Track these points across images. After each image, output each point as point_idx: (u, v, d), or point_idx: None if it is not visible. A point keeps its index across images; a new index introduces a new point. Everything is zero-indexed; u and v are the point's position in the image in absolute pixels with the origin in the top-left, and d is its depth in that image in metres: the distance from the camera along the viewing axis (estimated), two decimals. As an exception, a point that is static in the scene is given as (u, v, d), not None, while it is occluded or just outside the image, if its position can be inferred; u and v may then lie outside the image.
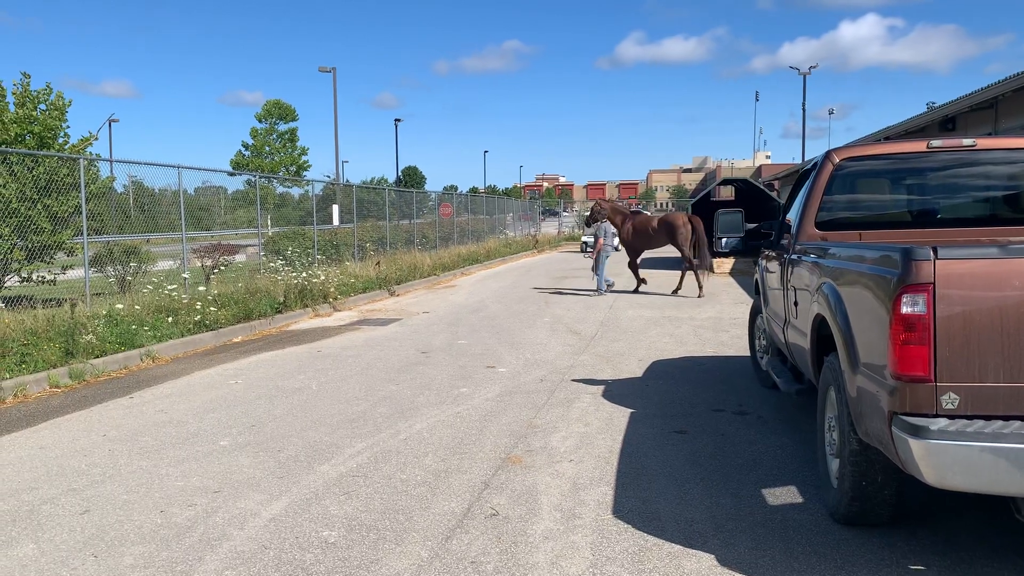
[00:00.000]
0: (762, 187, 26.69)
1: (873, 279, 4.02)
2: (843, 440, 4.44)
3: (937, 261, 3.64)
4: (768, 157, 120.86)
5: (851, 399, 4.26)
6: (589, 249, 34.83)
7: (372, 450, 6.27)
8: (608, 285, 17.87)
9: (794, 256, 6.08)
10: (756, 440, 6.37)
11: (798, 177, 7.23)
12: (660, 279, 21.36)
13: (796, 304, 5.87)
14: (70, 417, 7.53)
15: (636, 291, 17.98)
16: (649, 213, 19.95)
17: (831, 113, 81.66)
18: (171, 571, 4.21)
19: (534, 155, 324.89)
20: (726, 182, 29.60)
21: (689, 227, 17.42)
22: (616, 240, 18.19)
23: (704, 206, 25.01)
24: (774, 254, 7.09)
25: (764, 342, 8.03)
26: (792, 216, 6.67)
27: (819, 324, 5.03)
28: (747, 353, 9.28)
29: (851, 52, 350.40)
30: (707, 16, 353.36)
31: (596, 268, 17.86)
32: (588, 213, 18.81)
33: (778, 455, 5.96)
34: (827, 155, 6.16)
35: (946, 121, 18.49)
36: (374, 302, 17.00)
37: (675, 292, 17.41)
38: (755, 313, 8.53)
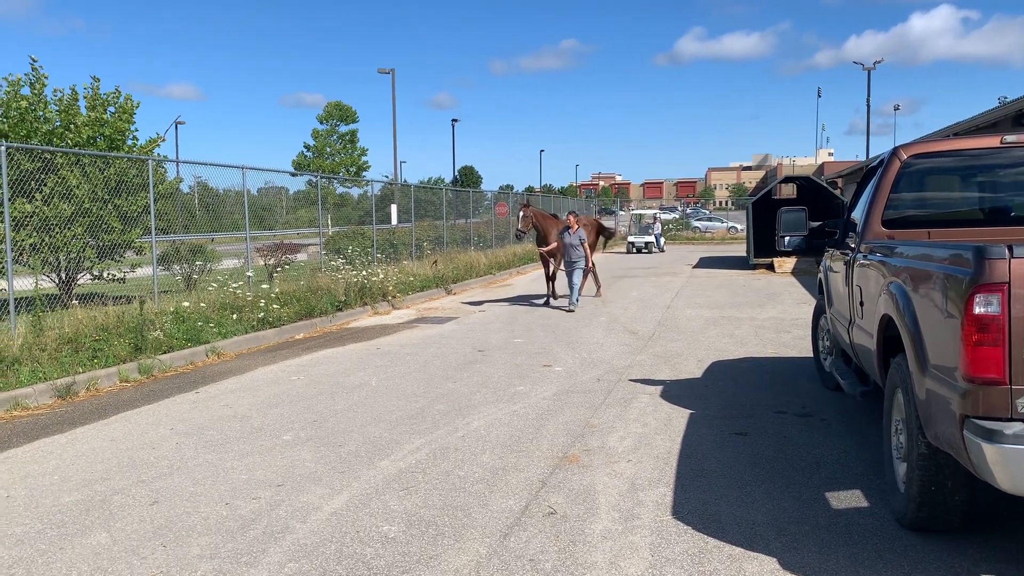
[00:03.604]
0: (825, 185, 26.13)
1: (944, 279, 3.92)
2: (911, 444, 4.33)
3: (1012, 260, 3.53)
4: (831, 154, 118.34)
5: (920, 402, 4.16)
6: (634, 250, 34.60)
7: (431, 446, 6.33)
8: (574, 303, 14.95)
9: (860, 255, 5.95)
10: (819, 443, 6.25)
11: (863, 174, 7.08)
12: (720, 278, 21.11)
13: (862, 304, 5.75)
14: (139, 411, 7.78)
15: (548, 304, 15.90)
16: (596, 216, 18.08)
17: (897, 109, 79.92)
18: (236, 562, 4.32)
19: (590, 154, 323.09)
20: (788, 180, 29.05)
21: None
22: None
23: (765, 204, 24.61)
24: (839, 253, 6.96)
25: (828, 343, 7.89)
26: (857, 214, 6.54)
27: (886, 324, 4.92)
28: (810, 354, 9.12)
29: (920, 45, 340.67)
30: (769, 10, 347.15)
31: (572, 279, 15.00)
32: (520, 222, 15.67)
33: (842, 458, 5.85)
34: (894, 151, 6.02)
35: (1020, 116, 17.84)
36: (431, 300, 17.16)
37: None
38: (819, 313, 8.38)
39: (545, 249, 15.80)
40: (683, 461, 5.86)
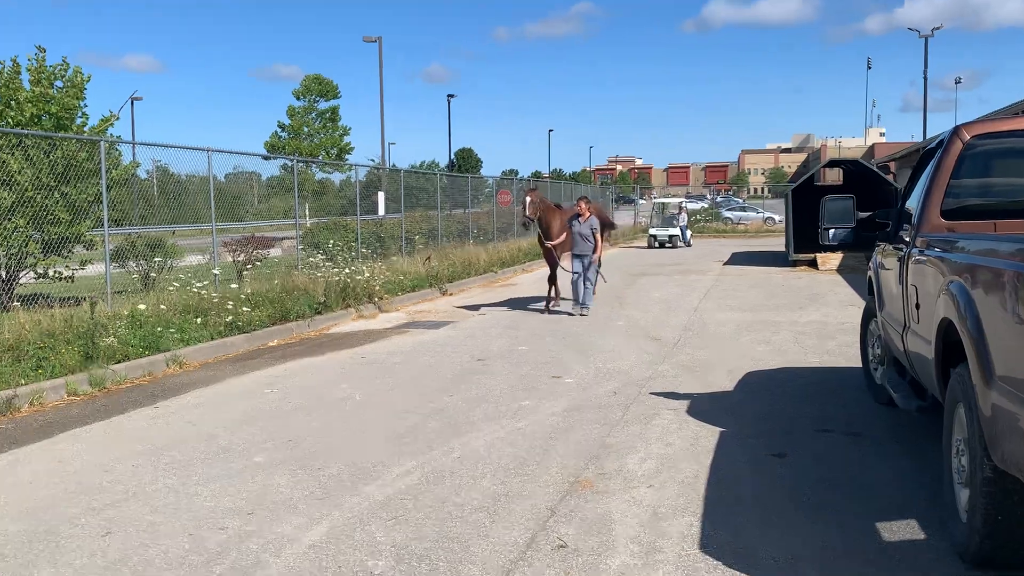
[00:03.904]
0: (875, 170, 26.11)
1: (1014, 278, 3.91)
2: (974, 467, 4.33)
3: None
4: (882, 135, 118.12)
5: (984, 418, 4.15)
6: (656, 244, 34.58)
7: (423, 469, 6.34)
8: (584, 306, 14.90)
9: (915, 250, 5.95)
10: (869, 465, 6.25)
11: (920, 158, 7.07)
12: (754, 277, 21.11)
13: (918, 307, 5.74)
14: (90, 428, 7.79)
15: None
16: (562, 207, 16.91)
17: (958, 82, 79.42)
18: (201, 601, 4.33)
19: (606, 135, 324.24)
20: (833, 163, 29.03)
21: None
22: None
23: (807, 192, 24.58)
24: (891, 248, 6.95)
25: (879, 351, 7.88)
26: (913, 203, 6.53)
27: (945, 330, 4.91)
28: (858, 364, 9.11)
29: (985, 9, 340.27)
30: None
31: (585, 276, 14.85)
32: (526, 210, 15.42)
33: (895, 483, 5.84)
34: (955, 132, 6.01)
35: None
36: (424, 302, 17.19)
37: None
38: (868, 317, 8.37)
39: (552, 243, 15.51)
40: (712, 486, 5.86)
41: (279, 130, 54.49)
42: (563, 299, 15.90)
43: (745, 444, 6.86)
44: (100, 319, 10.51)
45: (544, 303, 15.76)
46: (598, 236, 14.94)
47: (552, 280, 15.81)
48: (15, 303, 11.50)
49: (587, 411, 8.05)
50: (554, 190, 36.05)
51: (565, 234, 15.38)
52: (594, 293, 15.21)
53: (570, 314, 14.63)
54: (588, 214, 14.91)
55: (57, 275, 13.84)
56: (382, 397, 8.84)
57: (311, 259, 16.58)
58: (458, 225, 26.20)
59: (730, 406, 8.13)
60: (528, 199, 15.55)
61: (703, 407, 8.08)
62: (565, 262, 15.69)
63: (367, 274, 16.03)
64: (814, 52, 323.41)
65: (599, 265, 15.37)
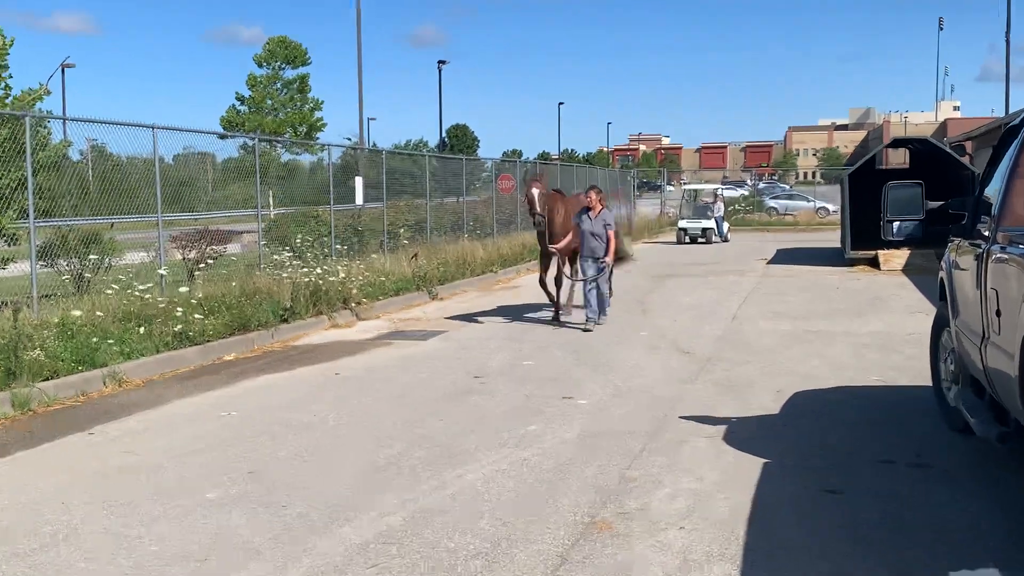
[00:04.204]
0: (948, 150, 26.11)
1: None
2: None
3: None
4: (956, 109, 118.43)
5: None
6: (686, 239, 34.54)
7: (409, 508, 6.34)
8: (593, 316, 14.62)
9: (996, 247, 5.94)
10: (941, 503, 6.24)
11: (1001, 136, 7.06)
12: (804, 278, 21.10)
13: (999, 314, 5.73)
14: (13, 459, 7.79)
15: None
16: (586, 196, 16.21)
17: (1048, 46, 79.19)
18: (144, 665, 4.33)
19: (627, 110, 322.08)
20: (897, 143, 29.06)
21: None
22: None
23: (867, 177, 24.59)
24: (967, 244, 6.94)
25: (952, 367, 7.86)
26: (993, 191, 6.52)
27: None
28: (927, 382, 9.10)
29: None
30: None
31: (595, 286, 14.66)
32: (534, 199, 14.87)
33: (972, 525, 5.83)
34: (1044, 105, 6.00)
35: None
36: (410, 308, 17.21)
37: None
38: (940, 327, 8.36)
39: (557, 246, 14.99)
40: (754, 529, 5.85)
41: (238, 103, 54.63)
42: (575, 305, 15.44)
43: (793, 478, 6.84)
44: (24, 328, 10.50)
45: (553, 312, 15.39)
46: (612, 234, 14.58)
47: (555, 281, 15.37)
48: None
49: (604, 438, 8.04)
50: (565, 176, 35.99)
51: (571, 234, 14.94)
52: (609, 304, 15.04)
53: (586, 329, 14.21)
54: (600, 207, 14.63)
55: (-28, 276, 13.84)
56: (360, 421, 8.85)
57: (276, 257, 16.59)
58: (451, 216, 26.21)
59: (775, 432, 8.12)
60: (534, 191, 14.94)
61: (743, 433, 8.07)
62: (565, 266, 15.50)
63: (342, 275, 16.05)
64: (877, 9, 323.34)
65: (611, 272, 15.14)
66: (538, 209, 14.91)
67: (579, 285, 15.15)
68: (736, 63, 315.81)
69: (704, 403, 9.29)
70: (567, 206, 15.59)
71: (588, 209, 14.66)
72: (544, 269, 15.56)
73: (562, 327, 14.72)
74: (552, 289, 15.38)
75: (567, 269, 15.64)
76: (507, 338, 13.62)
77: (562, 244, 15.07)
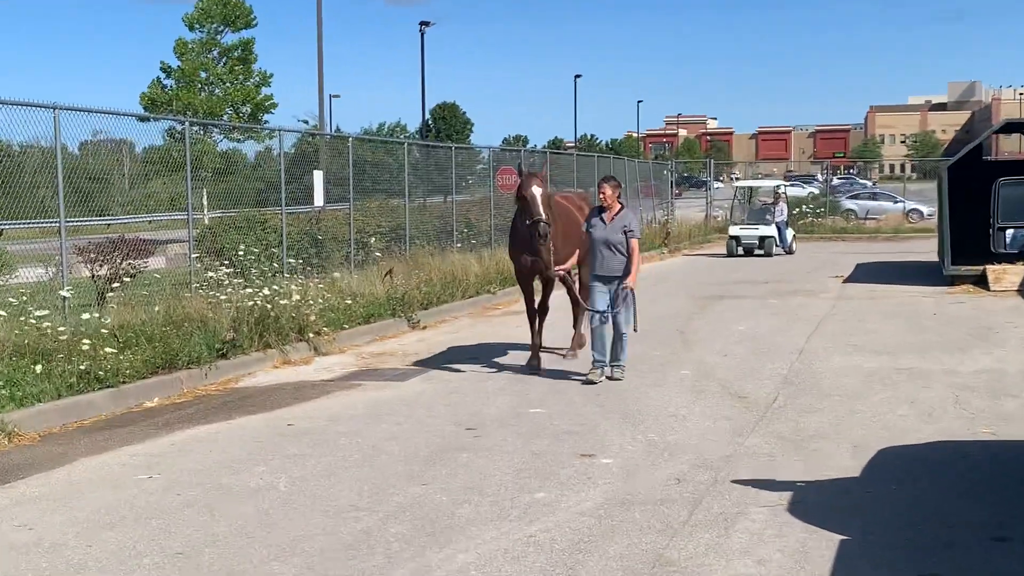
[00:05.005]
0: (1077, 136, 26.16)
1: None
2: None
3: None
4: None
5: None
6: (739, 250, 34.48)
7: (382, 600, 6.33)
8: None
9: None
10: (1070, 594, 6.23)
11: None
12: (891, 300, 21.08)
13: None
14: None
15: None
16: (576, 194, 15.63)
17: None
18: None
19: (663, 85, 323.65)
20: (1011, 127, 29.07)
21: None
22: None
23: (972, 170, 24.58)
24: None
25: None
26: None
27: None
28: (1051, 436, 9.13)
29: None
30: None
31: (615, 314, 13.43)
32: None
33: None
34: None
35: None
36: (384, 339, 17.24)
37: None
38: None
39: (564, 266, 14.17)
40: (829, 626, 5.84)
41: (163, 76, 54.57)
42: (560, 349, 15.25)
43: (880, 560, 6.83)
44: None
45: (572, 343, 15.19)
46: (635, 245, 13.38)
47: (539, 310, 14.87)
48: None
49: (635, 508, 8.02)
50: (583, 169, 35.87)
51: (582, 236, 14.04)
52: (626, 345, 13.63)
53: (588, 380, 13.24)
54: (617, 206, 13.43)
55: None
56: (319, 487, 8.81)
57: (211, 274, 16.56)
58: (436, 221, 26.23)
59: (856, 501, 8.11)
60: (536, 189, 13.98)
61: (814, 502, 8.06)
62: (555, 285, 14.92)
63: (297, 297, 16.02)
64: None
65: (634, 299, 13.54)
66: (543, 215, 13.86)
67: (587, 316, 14.00)
68: (801, 23, 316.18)
69: (763, 463, 9.29)
70: (566, 208, 15.20)
71: (601, 210, 13.60)
72: (530, 297, 14.95)
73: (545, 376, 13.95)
74: (536, 322, 14.93)
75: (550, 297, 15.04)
76: (509, 378, 13.61)
77: (570, 263, 14.33)
